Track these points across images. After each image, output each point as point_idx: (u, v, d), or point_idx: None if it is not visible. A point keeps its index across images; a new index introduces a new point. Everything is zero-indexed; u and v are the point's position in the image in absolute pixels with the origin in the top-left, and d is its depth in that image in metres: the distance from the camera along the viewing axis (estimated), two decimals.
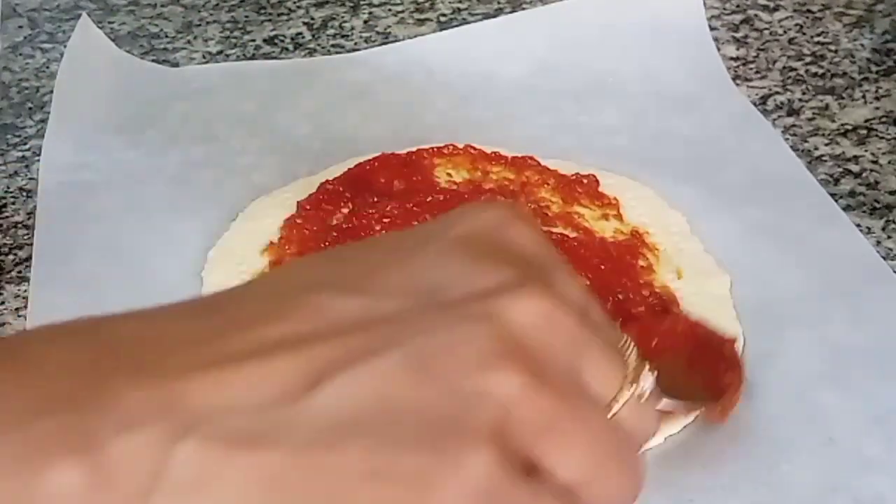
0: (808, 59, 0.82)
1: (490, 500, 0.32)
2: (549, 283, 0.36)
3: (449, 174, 0.70)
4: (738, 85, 0.79)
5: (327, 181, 0.69)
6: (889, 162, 0.73)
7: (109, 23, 0.86)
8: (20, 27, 0.87)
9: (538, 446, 0.34)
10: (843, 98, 0.78)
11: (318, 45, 0.85)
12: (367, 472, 0.32)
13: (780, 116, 0.77)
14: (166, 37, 0.86)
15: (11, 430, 0.31)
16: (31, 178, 0.72)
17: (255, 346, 0.33)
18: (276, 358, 0.33)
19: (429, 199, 0.66)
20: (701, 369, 0.55)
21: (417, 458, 0.32)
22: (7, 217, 0.69)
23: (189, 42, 0.85)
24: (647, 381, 0.37)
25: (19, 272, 0.65)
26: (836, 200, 0.69)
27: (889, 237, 0.67)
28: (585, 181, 0.69)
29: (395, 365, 0.33)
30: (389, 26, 0.87)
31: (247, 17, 0.88)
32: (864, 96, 0.79)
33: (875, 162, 0.73)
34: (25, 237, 0.67)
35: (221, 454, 0.31)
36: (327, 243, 0.64)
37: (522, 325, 0.34)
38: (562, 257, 0.39)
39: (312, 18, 0.88)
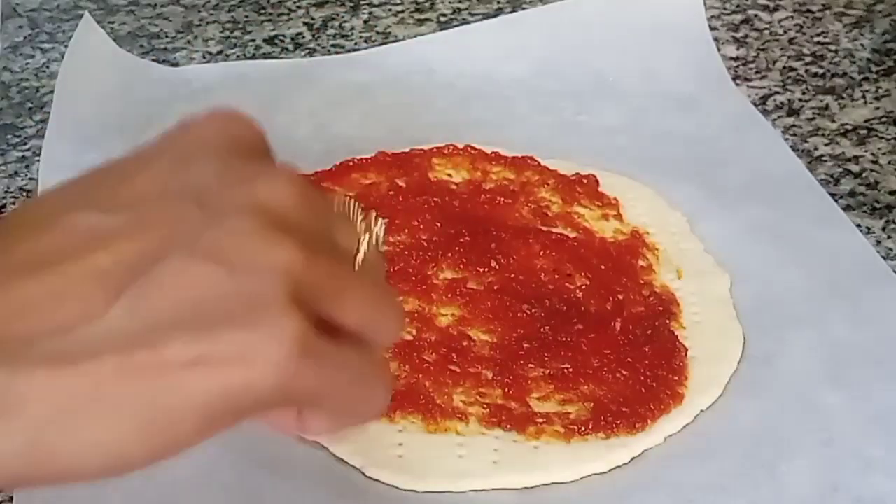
0: (808, 59, 0.82)
1: (307, 356, 0.35)
2: (282, 169, 0.40)
3: (449, 174, 0.70)
4: (738, 85, 0.79)
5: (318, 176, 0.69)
6: (889, 162, 0.73)
7: (110, 23, 0.86)
8: (20, 27, 0.87)
9: (326, 304, 0.37)
10: (843, 98, 0.79)
11: (318, 45, 0.85)
12: (190, 361, 0.34)
13: (780, 116, 0.77)
14: (166, 37, 0.86)
15: None
16: (31, 178, 0.72)
17: (35, 266, 0.35)
18: (64, 276, 0.35)
19: (433, 200, 0.67)
20: None
21: (234, 335, 0.34)
22: None
23: (189, 42, 0.85)
24: (379, 226, 0.41)
25: None
26: (836, 200, 0.69)
27: (889, 237, 0.67)
28: (585, 181, 0.69)
29: (185, 261, 0.35)
30: (389, 26, 0.87)
31: (247, 17, 0.88)
32: (864, 96, 0.79)
33: (875, 162, 0.73)
34: None
35: (45, 375, 0.33)
36: None
37: (282, 204, 0.37)
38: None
39: (312, 18, 0.88)
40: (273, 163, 0.41)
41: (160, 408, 0.34)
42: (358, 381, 0.39)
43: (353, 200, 0.42)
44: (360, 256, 0.40)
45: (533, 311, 0.60)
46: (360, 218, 0.41)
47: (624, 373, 0.58)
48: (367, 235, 0.41)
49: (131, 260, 0.35)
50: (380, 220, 0.42)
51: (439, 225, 0.65)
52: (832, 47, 0.83)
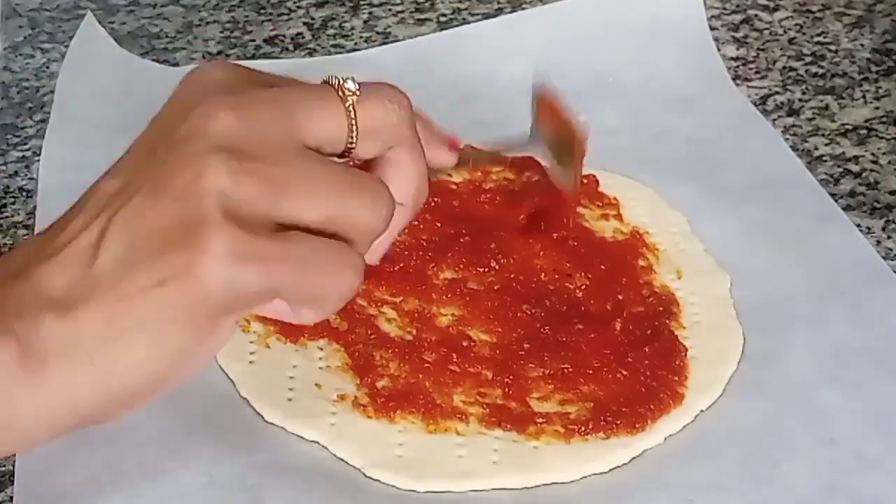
0: (808, 59, 0.82)
1: (243, 262, 0.41)
2: (233, 90, 0.45)
3: (449, 174, 0.70)
4: (738, 85, 0.79)
5: None
6: (889, 162, 0.73)
7: (110, 23, 0.86)
8: (20, 27, 0.87)
9: (273, 209, 0.42)
10: (843, 98, 0.79)
11: (318, 45, 0.85)
12: (156, 283, 0.41)
13: (780, 116, 0.77)
14: (166, 37, 0.86)
15: None
16: (31, 178, 0.72)
17: (65, 237, 0.44)
18: (70, 247, 0.43)
19: (433, 200, 0.67)
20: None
21: (178, 256, 0.41)
22: (7, 217, 0.69)
23: (189, 42, 0.85)
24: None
25: None
26: (836, 200, 0.69)
27: (889, 237, 0.67)
28: (585, 181, 0.69)
29: (139, 203, 0.43)
30: (389, 26, 0.87)
31: (247, 17, 0.88)
32: (864, 96, 0.79)
33: (875, 162, 0.73)
34: (25, 237, 0.67)
35: (66, 320, 0.42)
36: None
37: (217, 130, 0.43)
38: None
39: (312, 18, 0.88)
40: (218, 93, 0.44)
41: (155, 326, 0.42)
42: (316, 270, 0.43)
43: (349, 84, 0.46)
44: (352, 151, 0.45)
45: (533, 311, 0.61)
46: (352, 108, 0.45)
47: (624, 373, 0.58)
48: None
49: (110, 213, 0.43)
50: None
51: (439, 225, 0.65)
52: (832, 47, 0.83)
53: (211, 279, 0.41)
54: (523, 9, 0.87)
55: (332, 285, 0.44)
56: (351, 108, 0.45)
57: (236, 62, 0.48)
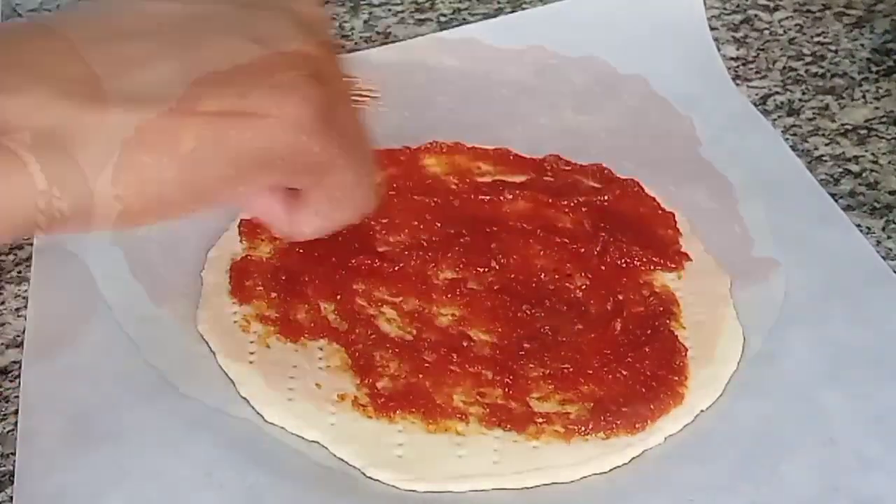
0: (808, 59, 0.82)
1: (324, 121, 0.43)
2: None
3: (446, 173, 0.70)
4: (738, 85, 0.79)
5: None
6: (889, 162, 0.73)
7: None
8: None
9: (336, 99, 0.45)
10: (843, 98, 0.78)
11: None
12: (219, 112, 0.42)
13: (780, 116, 0.77)
14: None
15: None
16: None
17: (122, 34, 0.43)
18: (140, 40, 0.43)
19: (433, 200, 0.66)
20: None
21: (262, 94, 0.42)
22: None
23: None
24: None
25: (19, 272, 0.65)
26: (836, 200, 0.69)
27: (889, 237, 0.67)
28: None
29: (225, 36, 0.43)
30: (389, 26, 0.87)
31: None
32: (864, 96, 0.79)
33: (875, 162, 0.73)
34: (25, 237, 0.67)
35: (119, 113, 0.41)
36: (327, 242, 0.64)
37: (310, 14, 0.46)
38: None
39: None
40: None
41: (193, 154, 0.41)
42: (351, 170, 0.46)
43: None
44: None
45: (533, 311, 0.61)
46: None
47: (624, 373, 0.58)
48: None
49: (187, 38, 0.43)
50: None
51: (439, 225, 0.65)
52: (832, 47, 0.83)
53: (290, 123, 0.43)
54: (523, 9, 0.87)
55: (358, 195, 0.47)
56: None
57: None
